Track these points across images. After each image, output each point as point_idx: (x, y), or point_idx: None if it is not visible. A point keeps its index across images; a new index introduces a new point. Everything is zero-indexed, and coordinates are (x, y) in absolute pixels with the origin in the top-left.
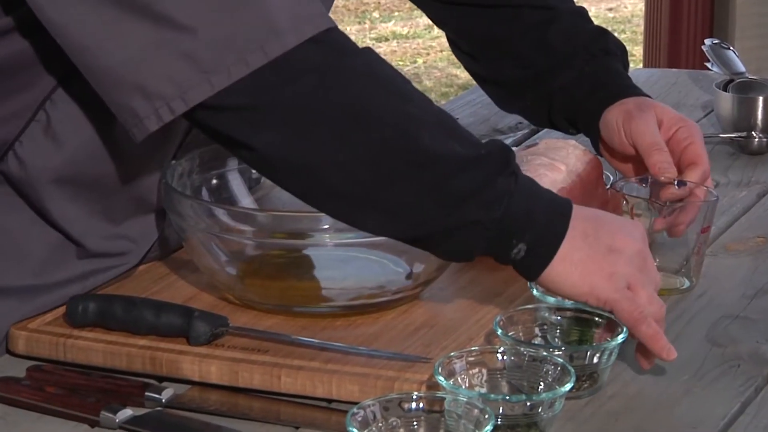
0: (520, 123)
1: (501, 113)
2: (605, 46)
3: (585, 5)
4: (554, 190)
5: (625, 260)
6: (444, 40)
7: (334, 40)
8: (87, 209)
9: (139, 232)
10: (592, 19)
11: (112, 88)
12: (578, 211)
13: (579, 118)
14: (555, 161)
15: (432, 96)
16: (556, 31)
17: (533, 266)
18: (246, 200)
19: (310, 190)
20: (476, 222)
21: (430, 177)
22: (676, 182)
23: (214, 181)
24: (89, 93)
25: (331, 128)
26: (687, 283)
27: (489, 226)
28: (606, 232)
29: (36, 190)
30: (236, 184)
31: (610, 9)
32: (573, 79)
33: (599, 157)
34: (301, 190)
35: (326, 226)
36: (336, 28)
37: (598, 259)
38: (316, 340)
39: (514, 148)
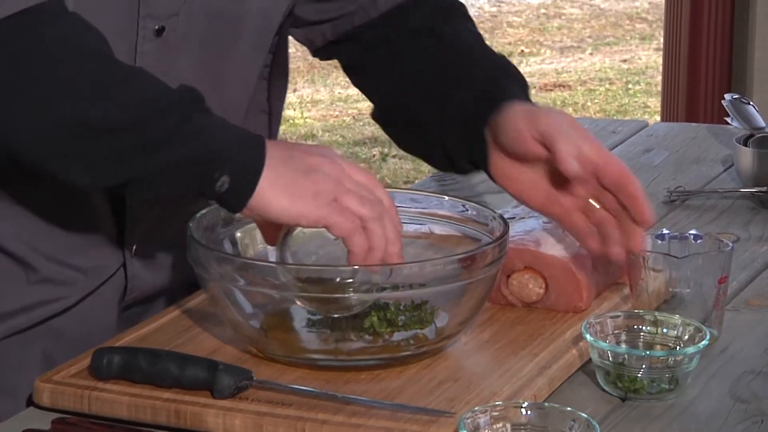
0: None
1: None
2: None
3: (599, 57)
4: (575, 251)
5: (323, 177)
6: None
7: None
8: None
9: (90, 264)
10: (606, 69)
11: None
12: (270, 142)
13: (466, 132)
14: None
15: None
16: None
17: (239, 196)
18: (269, 253)
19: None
20: (178, 161)
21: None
22: (693, 236)
23: (238, 234)
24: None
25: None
26: (710, 336)
27: (191, 161)
28: (299, 154)
29: None
30: (259, 237)
31: (624, 60)
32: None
33: None
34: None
35: (350, 280)
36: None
37: (301, 181)
38: (340, 394)
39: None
